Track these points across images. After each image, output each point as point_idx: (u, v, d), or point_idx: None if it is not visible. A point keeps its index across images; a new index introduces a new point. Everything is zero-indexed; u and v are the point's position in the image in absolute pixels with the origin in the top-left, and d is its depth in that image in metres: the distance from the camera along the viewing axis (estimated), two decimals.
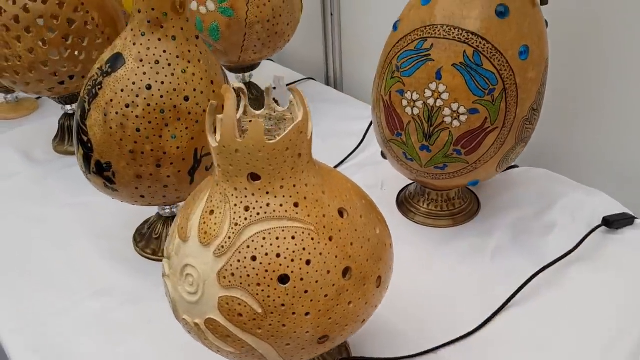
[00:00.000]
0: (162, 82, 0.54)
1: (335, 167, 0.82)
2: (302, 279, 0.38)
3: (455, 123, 0.57)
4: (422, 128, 0.59)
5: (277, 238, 0.38)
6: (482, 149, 0.58)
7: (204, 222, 0.40)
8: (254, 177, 0.39)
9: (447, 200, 0.69)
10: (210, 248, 0.39)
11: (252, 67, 0.92)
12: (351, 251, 0.40)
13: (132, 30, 0.56)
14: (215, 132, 0.41)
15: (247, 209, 0.39)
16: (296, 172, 0.39)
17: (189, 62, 0.56)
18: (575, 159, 0.77)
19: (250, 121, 0.43)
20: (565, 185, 0.73)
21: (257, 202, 0.39)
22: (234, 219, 0.39)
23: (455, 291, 0.60)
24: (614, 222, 0.65)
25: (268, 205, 0.39)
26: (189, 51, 0.56)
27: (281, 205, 0.39)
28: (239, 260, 0.38)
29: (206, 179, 0.45)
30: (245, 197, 0.39)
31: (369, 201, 0.45)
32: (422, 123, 0.58)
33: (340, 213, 0.41)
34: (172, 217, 0.68)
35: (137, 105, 0.54)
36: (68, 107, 0.87)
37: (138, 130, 0.55)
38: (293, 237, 0.38)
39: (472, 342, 0.54)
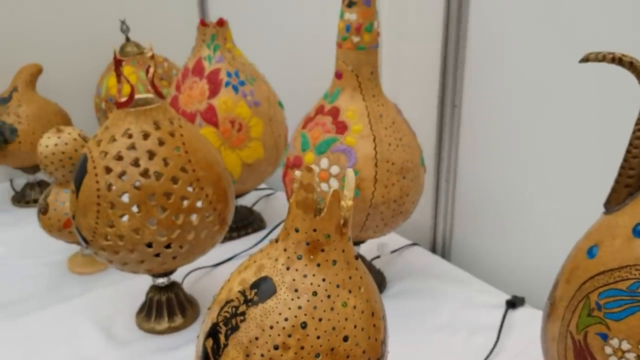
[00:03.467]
0: (320, 319, 0.44)
1: None
2: None
3: None
4: None
5: None
6: None
7: None
8: None
9: None
10: None
11: (363, 241, 0.82)
12: None
13: (285, 250, 0.46)
14: None
15: None
16: None
17: (349, 291, 0.46)
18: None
19: None
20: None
21: None
22: None
23: None
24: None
25: None
26: (350, 277, 0.47)
27: None
28: None
29: None
30: None
31: None
32: None
33: None
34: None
35: (289, 348, 0.44)
36: (160, 280, 0.78)
37: None
38: None
39: None
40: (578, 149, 0.76)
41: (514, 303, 0.78)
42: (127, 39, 1.19)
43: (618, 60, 0.47)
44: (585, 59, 0.49)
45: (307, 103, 0.85)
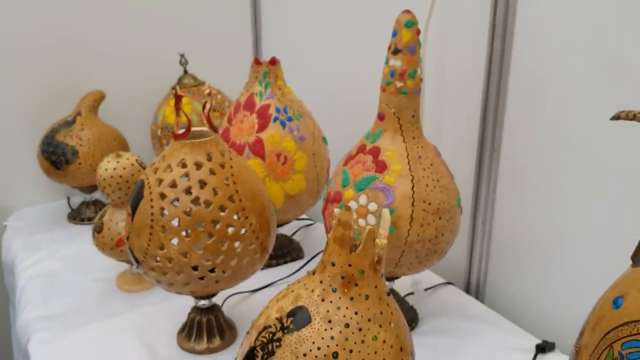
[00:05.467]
0: (351, 351, 0.47)
1: None
2: None
3: None
4: None
5: None
6: None
7: None
8: None
9: None
10: None
11: (397, 277, 0.85)
12: None
13: (320, 282, 0.50)
14: None
15: None
16: None
17: (380, 326, 0.49)
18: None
19: None
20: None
21: None
22: None
23: None
24: None
25: None
26: (381, 312, 0.50)
27: None
28: None
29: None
30: None
31: None
32: None
33: None
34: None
35: None
36: (202, 302, 0.82)
37: None
38: None
39: None
40: (614, 200, 0.77)
41: (544, 348, 0.79)
42: (185, 72, 1.26)
43: None
44: (617, 117, 0.51)
45: (349, 140, 0.89)
